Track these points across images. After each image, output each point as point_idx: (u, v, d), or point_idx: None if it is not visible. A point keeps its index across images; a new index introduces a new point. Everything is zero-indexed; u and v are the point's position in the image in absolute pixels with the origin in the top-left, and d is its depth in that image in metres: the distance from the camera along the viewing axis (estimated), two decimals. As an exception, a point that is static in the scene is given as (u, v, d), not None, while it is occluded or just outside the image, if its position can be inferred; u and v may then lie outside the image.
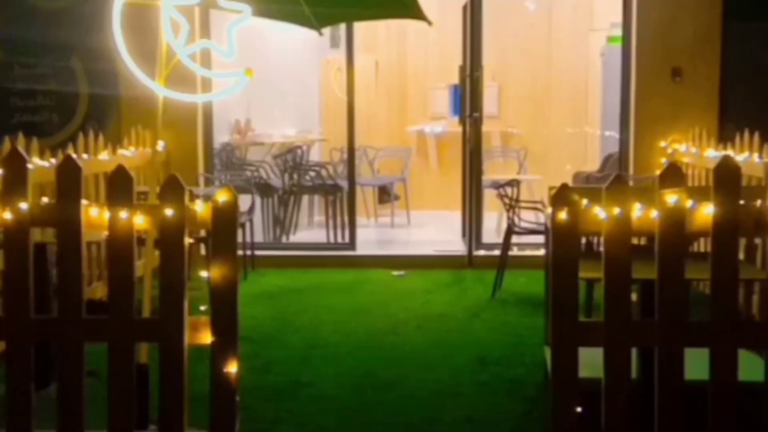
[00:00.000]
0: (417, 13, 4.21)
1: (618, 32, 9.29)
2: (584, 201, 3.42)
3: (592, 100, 10.85)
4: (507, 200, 6.91)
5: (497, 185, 7.14)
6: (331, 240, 8.63)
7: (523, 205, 7.01)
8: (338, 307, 6.55)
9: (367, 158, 10.86)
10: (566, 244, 3.40)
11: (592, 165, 10.31)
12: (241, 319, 4.83)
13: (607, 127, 10.17)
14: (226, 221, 3.41)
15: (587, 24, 11.01)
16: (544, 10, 10.77)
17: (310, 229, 9.69)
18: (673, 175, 3.39)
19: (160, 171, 7.95)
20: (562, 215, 3.38)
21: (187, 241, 3.45)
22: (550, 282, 3.57)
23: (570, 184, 9.12)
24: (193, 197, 3.54)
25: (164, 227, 3.42)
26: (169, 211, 3.40)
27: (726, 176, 3.37)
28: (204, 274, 3.50)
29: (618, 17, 8.93)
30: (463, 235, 8.56)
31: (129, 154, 7.06)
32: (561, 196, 3.41)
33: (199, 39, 3.66)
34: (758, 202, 3.39)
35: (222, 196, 3.41)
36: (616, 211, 3.37)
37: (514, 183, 7.22)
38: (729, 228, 3.36)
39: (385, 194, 10.88)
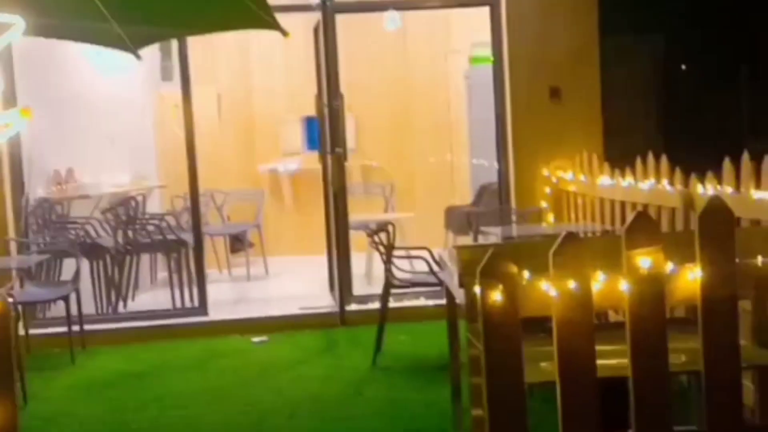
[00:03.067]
0: (268, 23, 3.14)
1: (482, 52, 8.55)
2: (525, 273, 2.43)
3: (457, 127, 10.04)
4: (382, 249, 5.88)
5: (369, 230, 6.12)
6: (178, 305, 7.36)
7: (402, 254, 6.00)
8: (188, 394, 5.34)
9: (215, 204, 9.64)
10: (504, 337, 2.40)
11: (464, 197, 9.49)
12: (63, 424, 3.57)
13: (476, 155, 9.37)
14: (-6, 343, 2.22)
15: (445, 45, 10.20)
16: (398, 32, 9.87)
17: (154, 290, 8.37)
18: (644, 226, 2.44)
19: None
20: (496, 296, 2.38)
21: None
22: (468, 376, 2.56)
23: (443, 219, 8.28)
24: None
25: None
26: None
27: (716, 225, 2.44)
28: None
29: (479, 36, 8.19)
30: (331, 288, 7.49)
31: None
32: (492, 267, 2.40)
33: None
34: (759, 259, 2.49)
35: (-15, 305, 2.21)
36: (571, 284, 2.39)
37: (387, 226, 6.20)
38: (723, 296, 2.44)
39: (237, 242, 9.70)
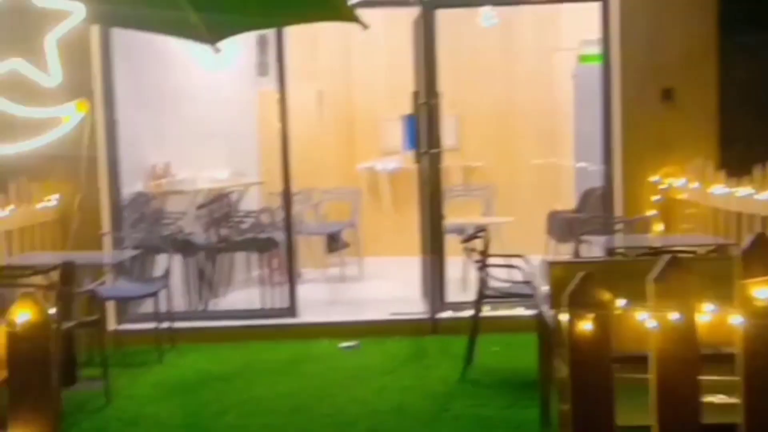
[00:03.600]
0: (345, 14, 2.93)
1: (591, 50, 8.15)
2: (619, 301, 2.13)
3: (564, 128, 9.63)
4: (477, 256, 5.59)
5: (465, 235, 5.84)
6: (268, 305, 7.24)
7: (496, 261, 5.69)
8: (269, 400, 5.18)
9: (312, 202, 9.51)
10: (593, 372, 2.10)
11: (568, 202, 9.08)
12: (142, 427, 3.43)
13: (582, 158, 8.96)
14: (31, 357, 2.05)
15: (553, 43, 9.81)
16: (503, 28, 9.54)
17: (248, 289, 8.27)
18: (764, 251, 2.10)
19: (55, 232, 6.58)
20: (586, 326, 2.08)
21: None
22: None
23: (545, 225, 7.92)
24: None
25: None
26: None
27: None
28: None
29: (589, 34, 7.79)
30: (424, 293, 7.23)
31: (5, 214, 5.69)
32: (582, 293, 2.11)
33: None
34: None
35: (22, 313, 2.05)
36: (674, 316, 2.07)
37: (482, 232, 5.91)
38: None
39: (333, 242, 9.54)
